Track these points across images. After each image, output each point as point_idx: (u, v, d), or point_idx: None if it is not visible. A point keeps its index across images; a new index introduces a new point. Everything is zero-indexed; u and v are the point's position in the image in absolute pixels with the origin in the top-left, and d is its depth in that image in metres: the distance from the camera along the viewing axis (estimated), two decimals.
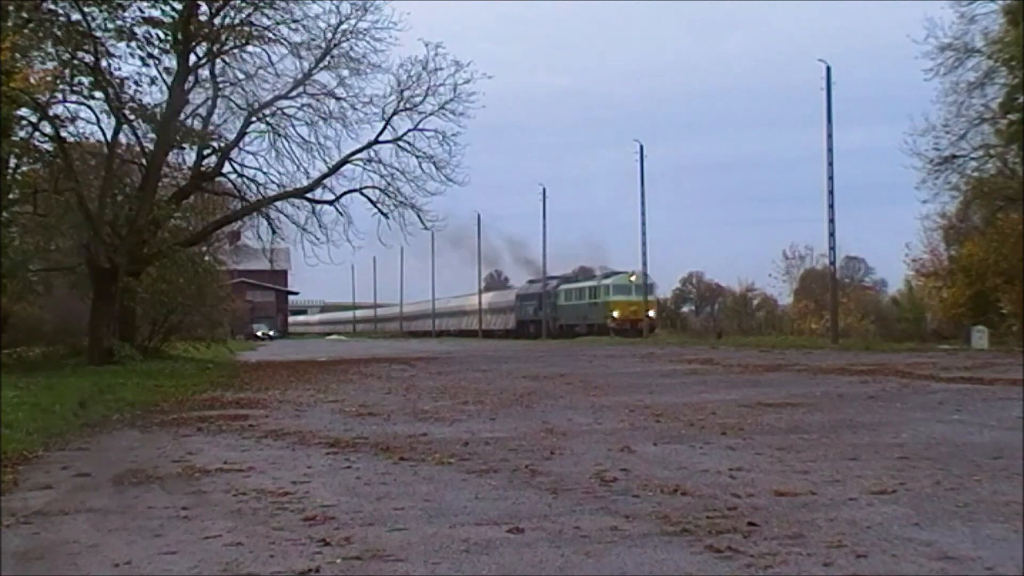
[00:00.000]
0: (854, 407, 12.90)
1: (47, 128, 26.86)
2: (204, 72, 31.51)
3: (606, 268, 74.18)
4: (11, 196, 25.26)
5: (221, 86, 31.90)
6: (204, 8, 30.01)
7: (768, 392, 15.53)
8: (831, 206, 43.58)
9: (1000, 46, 35.55)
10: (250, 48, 31.56)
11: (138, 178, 31.02)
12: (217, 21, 30.53)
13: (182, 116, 30.83)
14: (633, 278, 65.71)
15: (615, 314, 64.75)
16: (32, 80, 22.57)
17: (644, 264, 60.70)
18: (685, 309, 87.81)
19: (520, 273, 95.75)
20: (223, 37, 30.78)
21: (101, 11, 26.53)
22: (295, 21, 31.70)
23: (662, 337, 58.25)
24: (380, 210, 35.28)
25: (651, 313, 65.09)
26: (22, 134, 25.28)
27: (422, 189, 35.40)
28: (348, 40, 32.93)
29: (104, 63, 27.40)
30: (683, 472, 7.71)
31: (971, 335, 36.22)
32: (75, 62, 26.43)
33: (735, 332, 58.76)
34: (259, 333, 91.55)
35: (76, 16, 26.38)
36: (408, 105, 35.04)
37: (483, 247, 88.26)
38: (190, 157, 32.84)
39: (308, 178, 34.31)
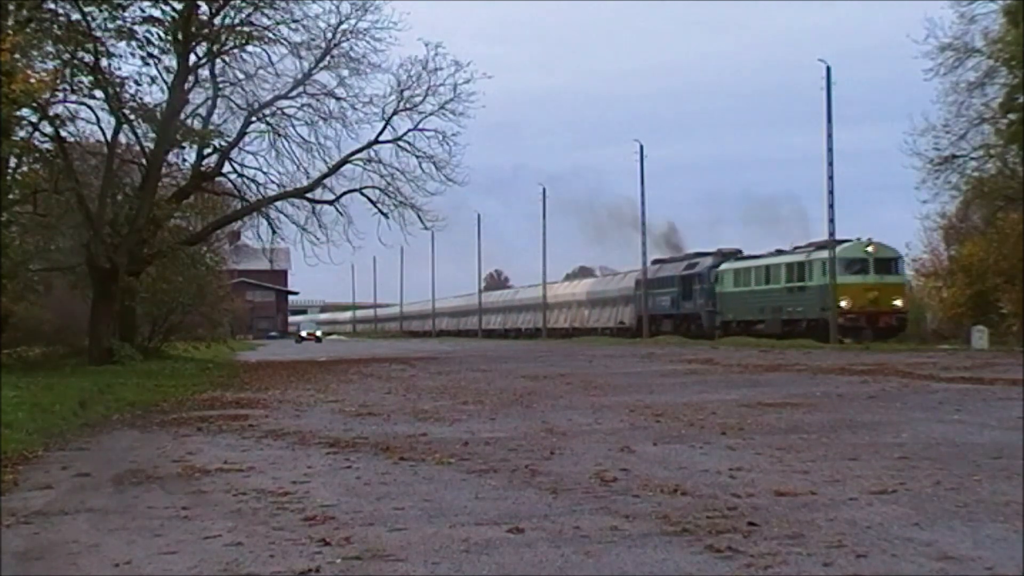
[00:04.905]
0: (854, 407, 12.89)
1: (47, 128, 26.88)
2: (204, 72, 31.60)
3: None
4: (11, 196, 25.24)
5: (221, 86, 31.93)
6: (204, 8, 30.02)
7: (768, 392, 15.51)
8: (831, 206, 43.57)
9: (1000, 46, 35.62)
10: (250, 48, 31.61)
11: (138, 178, 31.04)
12: (217, 21, 30.53)
13: (182, 116, 30.85)
14: (871, 248, 43.91)
15: (843, 303, 42.42)
16: (32, 80, 22.53)
17: (644, 264, 59.99)
18: None
19: (516, 274, 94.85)
20: (223, 37, 30.78)
21: (101, 11, 26.52)
22: (295, 21, 31.77)
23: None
24: (380, 210, 35.38)
25: (898, 302, 43.63)
26: (22, 134, 25.27)
27: (422, 189, 35.53)
28: (348, 40, 33.03)
29: (104, 63, 27.42)
30: (683, 472, 7.71)
31: (971, 335, 36.24)
32: (75, 62, 26.42)
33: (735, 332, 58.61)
34: (304, 333, 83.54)
35: (76, 16, 26.37)
36: (408, 105, 35.13)
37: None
38: (190, 157, 32.92)
39: (308, 178, 34.39)
